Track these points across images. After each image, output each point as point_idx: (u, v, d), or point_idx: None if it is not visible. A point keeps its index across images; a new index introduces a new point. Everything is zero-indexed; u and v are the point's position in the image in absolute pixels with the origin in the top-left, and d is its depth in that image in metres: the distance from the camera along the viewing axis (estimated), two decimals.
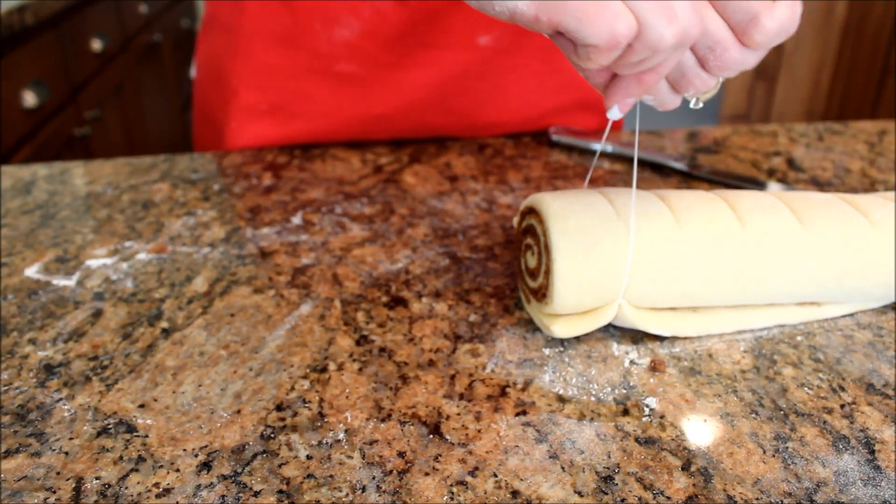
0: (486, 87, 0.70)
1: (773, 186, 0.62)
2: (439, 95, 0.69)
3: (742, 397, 0.39)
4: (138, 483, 0.34)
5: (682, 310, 0.44)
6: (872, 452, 0.35)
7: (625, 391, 0.39)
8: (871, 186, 0.63)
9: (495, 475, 0.34)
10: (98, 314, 0.46)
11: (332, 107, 0.70)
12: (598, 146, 0.68)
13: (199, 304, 0.47)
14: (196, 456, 0.35)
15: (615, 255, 0.40)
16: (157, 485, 0.33)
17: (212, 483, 0.34)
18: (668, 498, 0.33)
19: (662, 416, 0.37)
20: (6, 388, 0.40)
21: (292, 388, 0.39)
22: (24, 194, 0.63)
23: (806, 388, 0.39)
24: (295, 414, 0.38)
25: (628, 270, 0.40)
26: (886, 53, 2.48)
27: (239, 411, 0.38)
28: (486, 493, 0.33)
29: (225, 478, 0.34)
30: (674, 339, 0.43)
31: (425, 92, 0.69)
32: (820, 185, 0.63)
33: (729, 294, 0.43)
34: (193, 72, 0.81)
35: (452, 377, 0.40)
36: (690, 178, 0.65)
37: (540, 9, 0.31)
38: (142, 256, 0.53)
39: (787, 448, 0.35)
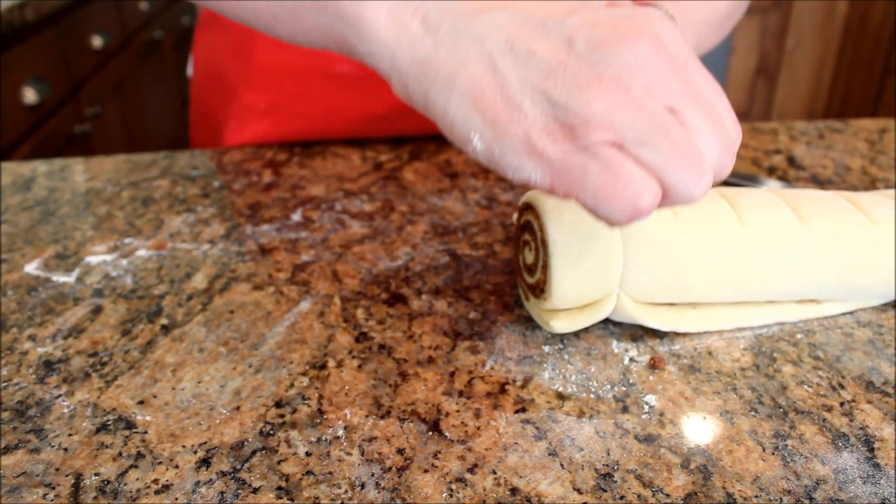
0: None
1: (774, 184, 0.62)
2: None
3: (741, 395, 0.39)
4: (137, 479, 0.34)
5: (681, 306, 0.44)
6: (872, 450, 0.35)
7: (624, 388, 0.39)
8: (871, 184, 0.63)
9: (494, 472, 0.34)
10: (97, 311, 0.46)
11: (333, 107, 0.70)
12: None
13: (199, 301, 0.47)
14: (195, 452, 0.35)
15: (611, 247, 0.40)
16: (156, 481, 0.33)
17: (211, 479, 0.34)
18: (668, 495, 0.33)
19: (662, 414, 0.37)
20: (5, 384, 0.40)
21: (291, 385, 0.39)
22: (24, 191, 0.63)
23: (805, 386, 0.39)
24: (294, 411, 0.38)
25: (621, 260, 0.40)
26: (887, 52, 2.47)
27: (238, 408, 0.38)
28: (485, 490, 0.33)
29: (224, 474, 0.34)
30: (673, 336, 0.43)
31: None
32: (820, 183, 0.63)
33: (728, 291, 0.43)
34: (190, 70, 0.81)
35: (452, 374, 0.40)
36: None
37: (555, 182, 0.29)
38: (141, 253, 0.53)
39: (787, 446, 0.35)
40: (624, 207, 0.28)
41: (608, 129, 0.27)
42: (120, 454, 0.35)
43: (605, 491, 0.33)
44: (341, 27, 0.32)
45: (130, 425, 0.37)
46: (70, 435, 0.36)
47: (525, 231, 0.44)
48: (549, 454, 0.35)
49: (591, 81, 0.27)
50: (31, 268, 0.51)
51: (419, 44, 0.30)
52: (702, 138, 0.29)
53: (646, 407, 0.38)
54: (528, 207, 0.44)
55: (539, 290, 0.42)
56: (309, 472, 0.34)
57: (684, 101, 0.28)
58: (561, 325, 0.41)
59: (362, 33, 0.31)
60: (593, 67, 0.27)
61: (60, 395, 0.39)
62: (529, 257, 0.43)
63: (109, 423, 0.37)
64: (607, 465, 0.34)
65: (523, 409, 0.38)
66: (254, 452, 0.35)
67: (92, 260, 0.52)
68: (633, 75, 0.27)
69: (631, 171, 0.27)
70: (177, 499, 0.33)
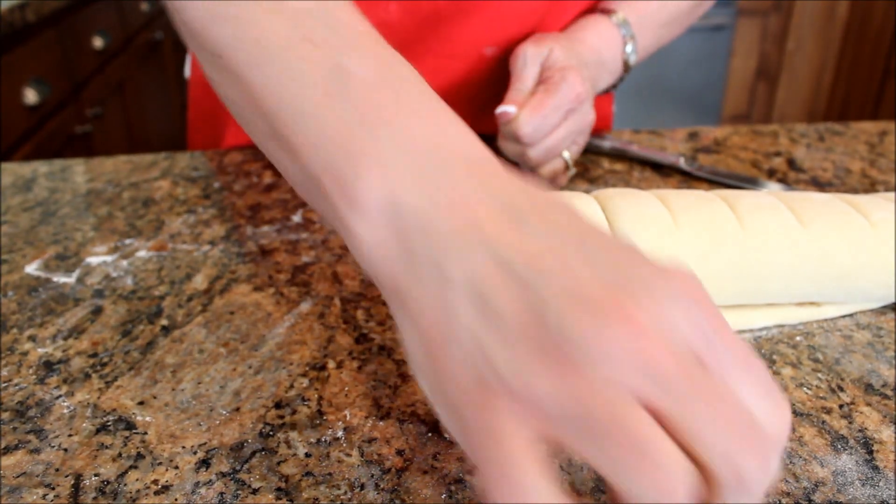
0: (490, 96, 0.70)
1: (774, 187, 0.62)
2: None
3: None
4: (137, 480, 0.34)
5: None
6: (871, 452, 0.35)
7: None
8: (871, 187, 0.63)
9: None
10: (98, 311, 0.46)
11: None
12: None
13: (199, 302, 0.47)
14: (195, 453, 0.35)
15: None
16: (155, 482, 0.34)
17: (210, 480, 0.34)
18: None
19: None
20: (6, 384, 0.40)
21: (291, 386, 0.39)
22: (25, 191, 0.63)
23: (805, 388, 0.39)
24: (294, 412, 0.38)
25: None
26: (888, 54, 2.48)
27: (238, 409, 0.38)
28: None
29: (224, 475, 0.34)
30: None
31: None
32: (820, 185, 0.63)
33: (728, 294, 0.43)
34: (188, 71, 0.81)
35: None
36: (690, 177, 0.65)
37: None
38: (142, 254, 0.53)
39: (785, 447, 0.35)
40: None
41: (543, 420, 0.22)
42: (120, 455, 0.35)
43: (604, 493, 0.33)
44: (332, 221, 0.30)
45: (130, 426, 0.37)
46: (70, 435, 0.36)
47: None
48: (548, 455, 0.35)
49: (545, 365, 0.22)
50: (32, 268, 0.51)
51: (393, 264, 0.27)
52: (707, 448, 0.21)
53: None
54: None
55: None
56: (308, 473, 0.34)
57: (674, 402, 0.21)
58: None
59: (350, 242, 0.29)
60: (553, 348, 0.22)
61: (60, 396, 0.39)
62: None
63: (109, 423, 0.37)
64: None
65: None
66: (253, 453, 0.35)
67: (92, 261, 0.52)
68: (596, 367, 0.22)
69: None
70: (176, 499, 0.33)
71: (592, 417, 0.21)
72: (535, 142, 0.55)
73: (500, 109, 0.56)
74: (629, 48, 0.63)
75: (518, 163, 0.60)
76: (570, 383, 0.22)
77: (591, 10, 0.66)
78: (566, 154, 0.59)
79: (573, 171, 0.62)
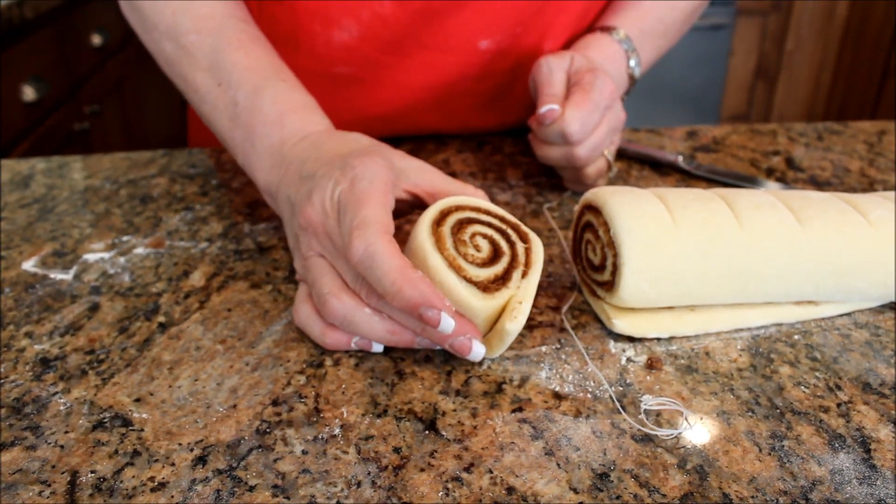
0: (485, 90, 0.70)
1: (772, 186, 0.62)
2: (438, 98, 0.69)
3: (738, 395, 0.39)
4: (133, 477, 0.34)
5: (679, 309, 0.44)
6: (868, 451, 0.35)
7: (621, 388, 0.39)
8: (869, 186, 0.63)
9: (491, 472, 0.34)
10: (95, 308, 0.46)
11: (330, 108, 0.70)
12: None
13: (196, 299, 0.47)
14: (191, 450, 0.35)
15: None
16: (152, 479, 0.33)
17: (207, 477, 0.34)
18: (664, 495, 0.33)
19: (659, 414, 0.37)
20: (2, 381, 0.40)
21: (288, 384, 0.39)
22: (23, 188, 0.63)
23: (802, 387, 0.39)
24: (291, 409, 0.38)
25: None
26: (887, 54, 2.48)
27: (235, 406, 0.38)
28: (481, 489, 0.33)
29: (220, 472, 0.34)
30: (671, 337, 0.43)
31: (424, 94, 0.68)
32: (819, 184, 0.63)
33: (727, 293, 0.43)
34: None
35: (449, 373, 0.40)
36: (689, 176, 0.65)
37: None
38: (139, 251, 0.53)
39: (783, 446, 0.35)
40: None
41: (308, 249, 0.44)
42: (116, 452, 0.35)
43: (602, 491, 0.33)
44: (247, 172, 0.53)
45: (127, 423, 0.37)
46: (66, 432, 0.36)
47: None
48: (546, 454, 0.35)
49: (297, 240, 0.45)
50: (29, 265, 0.51)
51: (271, 200, 0.49)
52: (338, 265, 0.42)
53: (643, 407, 0.38)
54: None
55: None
56: (305, 471, 0.34)
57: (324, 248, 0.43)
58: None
59: (256, 186, 0.51)
60: (298, 235, 0.44)
61: (57, 393, 0.39)
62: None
63: (106, 420, 0.37)
64: (604, 465, 0.34)
65: (520, 409, 0.38)
66: (250, 450, 0.35)
67: (90, 257, 0.52)
68: (301, 243, 0.44)
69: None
70: (172, 496, 0.33)
71: (308, 268, 0.43)
72: (583, 139, 0.55)
73: (545, 108, 0.55)
74: (633, 62, 0.64)
75: (561, 167, 0.59)
76: (301, 249, 0.44)
77: (591, 28, 0.67)
78: (606, 153, 0.59)
79: (615, 169, 0.61)
